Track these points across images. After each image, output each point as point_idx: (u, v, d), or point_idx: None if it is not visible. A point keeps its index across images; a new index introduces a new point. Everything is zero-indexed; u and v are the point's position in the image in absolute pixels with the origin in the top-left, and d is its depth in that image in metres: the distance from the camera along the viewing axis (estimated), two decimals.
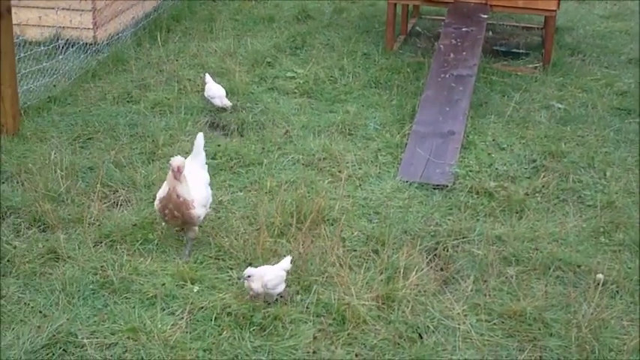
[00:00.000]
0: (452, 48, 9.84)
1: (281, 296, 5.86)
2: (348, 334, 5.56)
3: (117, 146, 8.04)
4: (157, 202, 6.30)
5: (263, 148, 8.23)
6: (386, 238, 6.56)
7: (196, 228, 6.39)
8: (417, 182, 7.59)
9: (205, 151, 8.03)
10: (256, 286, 5.70)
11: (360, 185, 7.58)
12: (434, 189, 7.52)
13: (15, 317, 5.66)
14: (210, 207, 6.61)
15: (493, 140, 8.54)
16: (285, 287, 5.86)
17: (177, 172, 6.07)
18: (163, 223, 6.53)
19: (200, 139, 6.65)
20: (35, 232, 6.68)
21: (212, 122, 8.84)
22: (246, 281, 5.79)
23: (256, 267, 5.90)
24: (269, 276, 5.72)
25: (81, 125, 8.56)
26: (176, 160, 6.12)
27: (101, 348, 5.39)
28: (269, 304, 5.77)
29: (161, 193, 6.26)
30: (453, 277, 6.26)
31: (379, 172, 7.85)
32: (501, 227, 6.92)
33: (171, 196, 6.14)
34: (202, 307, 5.74)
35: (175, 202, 6.13)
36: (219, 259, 6.35)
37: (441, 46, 9.93)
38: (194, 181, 6.32)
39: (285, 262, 5.93)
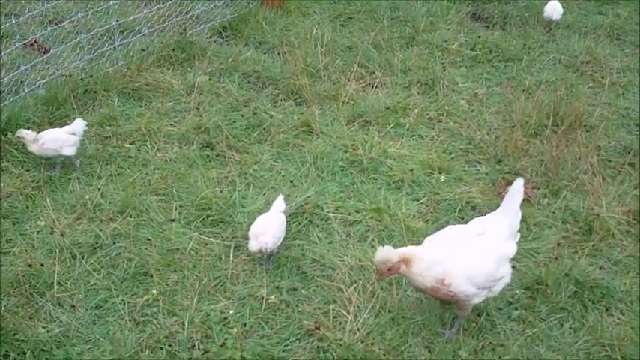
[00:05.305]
0: None
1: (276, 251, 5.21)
2: (593, 246, 5.39)
3: (377, 28, 8.05)
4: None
5: (524, 45, 7.98)
6: None
7: (469, 308, 4.62)
8: None
9: (465, 41, 7.90)
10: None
11: (623, 94, 7.22)
12: None
13: (267, 183, 5.88)
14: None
15: None
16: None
17: (380, 275, 4.52)
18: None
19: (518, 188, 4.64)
20: (291, 104, 6.86)
21: (474, 13, 8.65)
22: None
23: None
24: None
25: (343, 3, 8.64)
26: (381, 254, 4.38)
27: (345, 224, 5.51)
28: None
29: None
30: None
31: None
32: None
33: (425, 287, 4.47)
34: (447, 199, 5.73)
35: (436, 290, 4.44)
36: (468, 151, 6.29)
37: None
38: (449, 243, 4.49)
39: (278, 203, 5.34)
